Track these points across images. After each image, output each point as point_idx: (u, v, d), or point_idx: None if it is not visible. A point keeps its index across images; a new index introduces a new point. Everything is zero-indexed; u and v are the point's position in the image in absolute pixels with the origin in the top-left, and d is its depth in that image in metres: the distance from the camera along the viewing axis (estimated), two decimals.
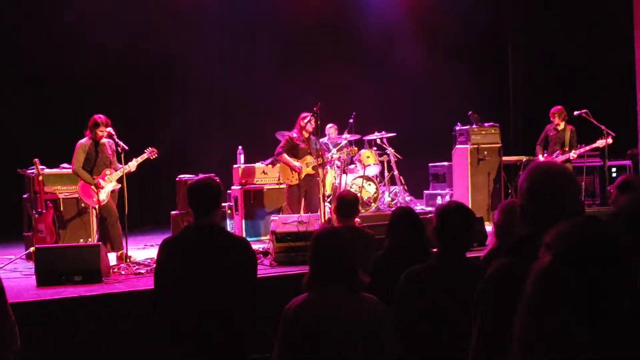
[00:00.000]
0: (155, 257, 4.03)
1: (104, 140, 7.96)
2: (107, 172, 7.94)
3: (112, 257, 7.63)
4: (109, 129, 7.86)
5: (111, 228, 7.91)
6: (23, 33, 11.37)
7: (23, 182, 8.94)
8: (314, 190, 9.22)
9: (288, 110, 10.10)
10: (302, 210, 9.11)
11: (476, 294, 2.22)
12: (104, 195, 7.89)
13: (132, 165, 7.90)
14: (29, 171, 8.65)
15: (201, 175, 4.35)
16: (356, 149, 10.22)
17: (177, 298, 3.75)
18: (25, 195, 8.87)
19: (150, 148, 8.20)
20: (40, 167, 8.32)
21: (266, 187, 10.06)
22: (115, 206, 8.00)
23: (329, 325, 3.10)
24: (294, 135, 9.31)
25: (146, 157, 8.13)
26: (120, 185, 7.92)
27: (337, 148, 10.46)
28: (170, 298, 3.78)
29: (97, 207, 7.96)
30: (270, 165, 10.02)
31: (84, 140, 7.93)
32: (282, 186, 9.76)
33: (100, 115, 7.90)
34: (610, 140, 10.24)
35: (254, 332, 3.81)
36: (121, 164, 7.84)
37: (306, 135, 9.24)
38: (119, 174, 7.90)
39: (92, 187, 7.83)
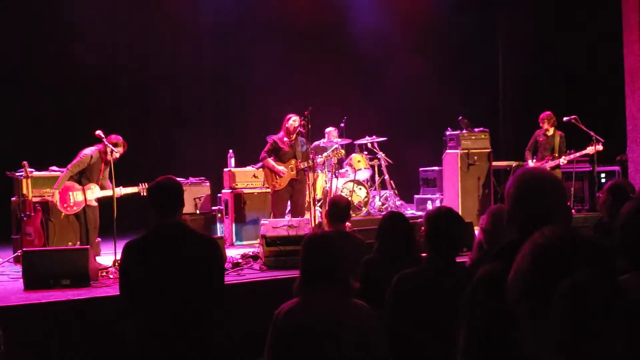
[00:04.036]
0: (119, 262, 3.99)
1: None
2: (92, 187, 7.91)
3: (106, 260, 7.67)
4: (119, 150, 7.84)
5: (91, 235, 7.92)
6: (15, 37, 11.32)
7: (11, 184, 8.89)
8: (300, 194, 9.15)
9: (279, 114, 10.08)
10: (288, 214, 9.08)
11: (463, 300, 2.22)
12: (76, 208, 7.88)
13: (118, 191, 7.80)
14: (17, 174, 8.60)
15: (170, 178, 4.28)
16: (343, 151, 10.13)
17: (142, 301, 3.72)
18: (13, 198, 8.83)
19: (145, 184, 8.05)
20: (29, 169, 8.27)
21: (257, 190, 10.05)
22: (96, 216, 7.99)
23: (319, 330, 3.09)
24: (279, 138, 9.12)
25: (136, 191, 8.04)
26: (97, 204, 7.92)
27: (327, 152, 10.44)
28: (136, 302, 3.74)
29: (63, 213, 7.95)
30: (261, 169, 10.00)
31: (94, 154, 7.86)
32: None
33: (119, 137, 7.90)
34: (600, 147, 10.26)
35: (224, 335, 3.80)
36: (111, 174, 7.70)
37: (292, 136, 9.13)
38: (100, 193, 7.89)
39: (73, 192, 7.80)
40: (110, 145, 7.67)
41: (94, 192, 7.94)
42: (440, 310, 3.23)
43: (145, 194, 7.98)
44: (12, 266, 7.84)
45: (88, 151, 7.90)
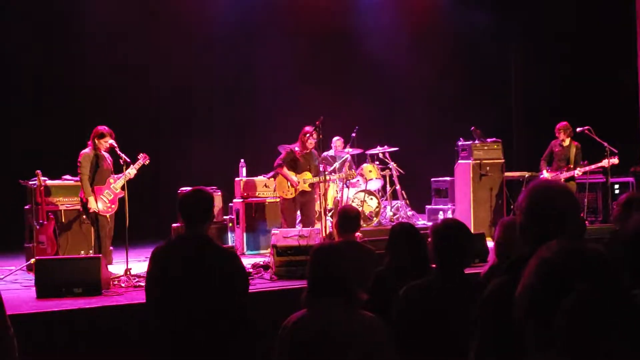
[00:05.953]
0: (147, 267, 4.04)
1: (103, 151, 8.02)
2: (111, 180, 7.97)
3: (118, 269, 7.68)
4: (112, 141, 7.88)
5: (102, 241, 7.94)
6: (26, 45, 11.40)
7: (25, 193, 8.94)
8: (309, 205, 9.23)
9: (291, 124, 10.10)
10: (298, 224, 9.11)
11: (474, 313, 2.21)
12: (103, 206, 7.93)
13: (132, 172, 7.91)
14: (31, 182, 8.65)
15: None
16: (354, 172, 10.15)
17: (165, 308, 3.76)
18: (26, 207, 8.88)
19: (142, 154, 8.19)
20: (42, 178, 8.32)
21: (268, 200, 10.05)
22: (108, 222, 8.01)
23: (326, 342, 3.07)
24: (296, 149, 9.26)
25: (141, 163, 8.14)
26: (124, 193, 7.94)
27: (339, 165, 10.41)
28: (159, 307, 3.79)
29: (107, 215, 7.95)
30: (272, 179, 10.02)
31: (88, 151, 7.92)
32: None
33: (104, 127, 7.94)
34: (616, 160, 10.18)
35: (249, 347, 3.81)
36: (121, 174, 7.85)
37: (307, 150, 9.22)
38: (121, 181, 7.93)
39: (102, 195, 7.87)
40: (96, 138, 7.85)
41: (116, 183, 7.98)
42: (449, 321, 3.22)
43: (147, 162, 8.17)
44: (25, 274, 7.88)
45: (83, 152, 7.96)
